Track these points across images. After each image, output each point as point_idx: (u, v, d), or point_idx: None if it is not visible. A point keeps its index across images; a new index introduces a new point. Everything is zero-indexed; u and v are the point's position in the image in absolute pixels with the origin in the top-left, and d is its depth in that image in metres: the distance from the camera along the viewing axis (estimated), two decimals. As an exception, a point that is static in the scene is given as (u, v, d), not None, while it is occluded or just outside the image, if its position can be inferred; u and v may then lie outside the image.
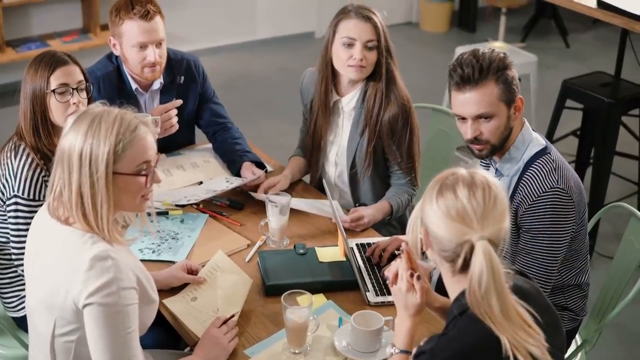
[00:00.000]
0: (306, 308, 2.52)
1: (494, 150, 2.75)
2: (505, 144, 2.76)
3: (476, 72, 2.65)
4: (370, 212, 3.28)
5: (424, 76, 6.94)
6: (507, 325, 1.99)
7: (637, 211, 3.14)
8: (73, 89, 2.94)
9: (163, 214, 3.25)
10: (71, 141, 2.26)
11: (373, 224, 3.29)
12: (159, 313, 2.76)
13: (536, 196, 2.67)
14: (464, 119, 2.73)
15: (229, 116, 3.82)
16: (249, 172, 3.48)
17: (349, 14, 3.25)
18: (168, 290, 2.81)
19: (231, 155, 3.63)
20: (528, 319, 2.03)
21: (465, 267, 2.04)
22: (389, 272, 2.32)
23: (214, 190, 3.38)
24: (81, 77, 2.99)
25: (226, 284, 2.83)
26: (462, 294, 2.07)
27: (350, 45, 3.22)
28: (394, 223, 3.51)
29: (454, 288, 2.14)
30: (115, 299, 2.23)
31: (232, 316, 2.62)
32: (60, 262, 2.28)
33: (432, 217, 2.07)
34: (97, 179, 2.24)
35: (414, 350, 2.12)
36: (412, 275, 2.25)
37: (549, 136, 5.15)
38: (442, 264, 2.13)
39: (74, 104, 2.94)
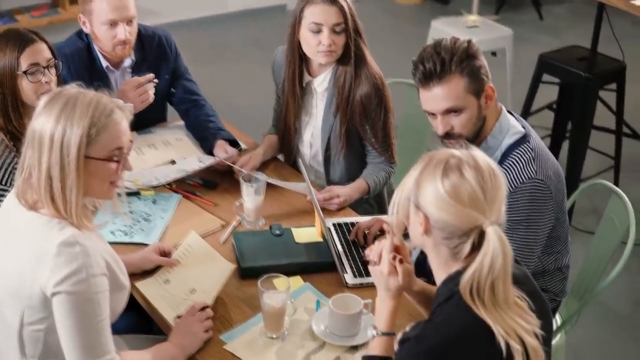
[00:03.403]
0: (283, 293, 2.46)
1: (469, 142, 2.66)
2: (481, 134, 2.68)
3: (438, 67, 2.56)
4: (346, 191, 3.22)
5: (398, 50, 6.86)
6: (503, 312, 1.93)
7: (617, 189, 3.10)
8: (44, 67, 2.86)
9: (134, 194, 3.17)
10: (43, 123, 2.18)
11: (350, 203, 3.23)
12: (131, 296, 2.70)
13: (514, 187, 2.60)
14: (433, 114, 2.65)
15: (201, 93, 3.74)
16: (222, 151, 3.40)
17: None
18: (141, 274, 2.74)
19: (204, 133, 3.55)
20: (524, 305, 1.98)
21: (470, 253, 1.97)
22: (371, 251, 2.25)
23: (185, 170, 3.30)
24: (50, 55, 2.91)
25: (200, 265, 2.77)
26: (450, 278, 2.01)
27: (317, 31, 3.14)
28: (371, 201, 3.46)
29: (442, 272, 2.06)
30: (85, 286, 2.15)
31: (207, 306, 2.55)
32: (27, 249, 2.21)
33: (437, 202, 1.97)
34: (68, 163, 2.16)
35: (399, 337, 2.05)
36: (394, 258, 2.18)
37: (526, 111, 5.12)
38: (438, 249, 2.04)
39: (45, 82, 2.87)
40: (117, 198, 2.39)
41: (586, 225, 4.76)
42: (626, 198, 3.05)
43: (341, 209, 3.19)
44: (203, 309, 2.53)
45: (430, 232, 2.01)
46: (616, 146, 5.03)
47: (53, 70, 2.91)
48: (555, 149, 5.16)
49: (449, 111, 2.61)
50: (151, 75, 3.40)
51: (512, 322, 1.94)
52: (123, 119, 2.25)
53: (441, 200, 1.96)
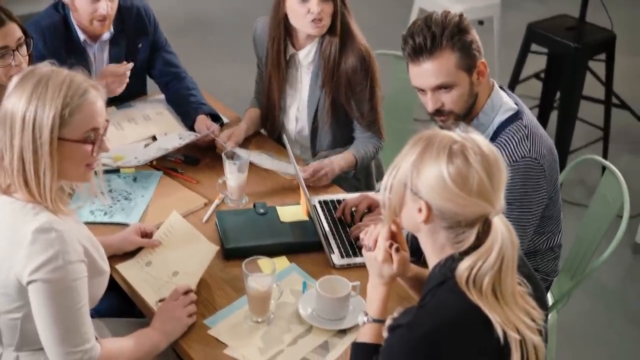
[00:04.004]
0: (269, 276, 2.38)
1: (460, 119, 2.58)
2: (472, 111, 2.59)
3: (429, 41, 2.47)
4: (332, 161, 3.13)
5: (383, 21, 6.76)
6: (507, 307, 1.85)
7: (610, 165, 3.04)
8: (13, 50, 2.74)
9: (114, 172, 3.08)
10: (14, 103, 2.09)
11: (337, 174, 3.15)
12: (112, 278, 2.62)
13: (506, 166, 2.51)
14: (423, 91, 2.56)
15: (182, 65, 3.64)
16: (203, 126, 3.31)
17: None
18: (121, 255, 2.66)
19: (185, 108, 3.45)
20: (528, 298, 1.91)
21: (475, 242, 1.88)
22: (365, 235, 2.15)
23: (165, 149, 3.20)
24: (20, 34, 2.78)
25: (183, 247, 2.69)
26: (444, 263, 1.92)
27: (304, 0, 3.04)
28: (358, 176, 3.39)
29: (436, 256, 1.97)
30: (62, 274, 2.07)
31: (191, 290, 2.47)
32: (1, 236, 2.12)
33: (441, 191, 1.86)
34: (41, 145, 2.07)
35: (387, 322, 1.98)
36: (390, 246, 2.09)
37: (513, 82, 5.05)
38: (436, 236, 1.94)
39: (15, 66, 2.76)
40: (95, 179, 2.30)
41: (575, 197, 4.71)
42: (620, 175, 2.98)
43: (327, 184, 3.11)
44: (186, 293, 2.45)
45: (430, 221, 1.91)
46: (605, 117, 4.96)
47: (24, 49, 2.79)
48: (543, 119, 5.09)
49: (439, 87, 2.52)
50: (129, 65, 3.28)
51: (515, 317, 1.86)
52: (98, 99, 2.16)
53: (446, 188, 1.86)
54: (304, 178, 2.97)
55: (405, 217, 1.97)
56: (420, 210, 1.90)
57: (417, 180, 1.89)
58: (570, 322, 3.84)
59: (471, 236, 1.88)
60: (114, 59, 3.41)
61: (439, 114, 2.57)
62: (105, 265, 2.30)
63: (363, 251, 2.15)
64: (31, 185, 2.10)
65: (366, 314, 2.13)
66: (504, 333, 1.83)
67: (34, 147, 2.07)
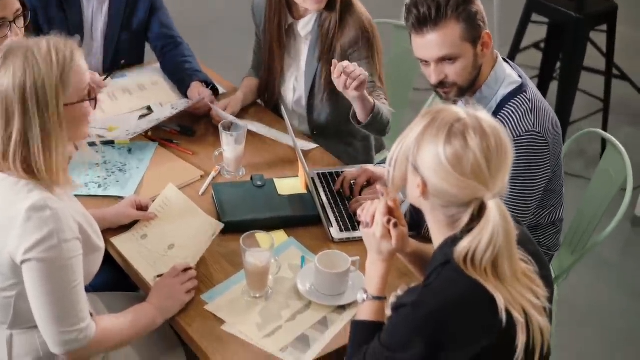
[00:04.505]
0: (267, 251, 2.34)
1: (463, 92, 2.53)
2: (476, 83, 2.54)
3: (433, 11, 2.41)
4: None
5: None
6: (510, 287, 1.82)
7: (613, 138, 2.99)
8: (10, 22, 2.66)
9: (109, 143, 3.02)
10: (7, 82, 2.03)
11: (364, 88, 2.82)
12: (106, 251, 2.58)
13: (510, 140, 2.46)
14: (426, 62, 2.51)
15: (178, 31, 3.56)
16: (196, 93, 3.25)
17: None
18: (116, 229, 2.62)
19: (180, 75, 3.40)
20: (533, 276, 1.87)
21: (470, 222, 1.84)
22: (363, 211, 2.11)
23: (157, 119, 3.14)
24: (18, 5, 2.69)
25: (179, 220, 2.65)
26: (447, 243, 1.88)
27: None
28: (357, 145, 3.33)
29: (440, 235, 1.93)
30: (57, 253, 2.03)
31: (190, 268, 2.43)
32: None
33: (436, 169, 1.83)
34: (49, 118, 2.03)
35: (391, 301, 1.93)
36: (388, 222, 2.05)
37: (513, 51, 4.98)
38: (435, 214, 1.91)
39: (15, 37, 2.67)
40: (88, 147, 2.31)
41: (575, 169, 4.67)
42: (622, 148, 2.94)
43: (327, 159, 3.04)
44: (185, 270, 2.40)
45: (427, 197, 1.88)
46: (605, 89, 4.90)
47: (21, 22, 2.70)
48: (543, 89, 5.04)
49: (443, 59, 2.46)
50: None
51: (520, 297, 1.83)
52: (82, 58, 2.14)
53: (441, 167, 1.82)
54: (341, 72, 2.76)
55: (408, 190, 1.93)
56: (418, 185, 1.87)
57: (417, 156, 1.87)
58: (569, 295, 3.81)
59: (465, 217, 1.84)
60: (113, 15, 3.37)
61: (442, 86, 2.51)
62: (100, 242, 2.26)
63: (360, 228, 2.11)
64: (36, 163, 2.05)
65: (365, 292, 2.08)
66: (509, 315, 1.80)
67: (41, 123, 2.03)
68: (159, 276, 2.43)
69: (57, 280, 2.05)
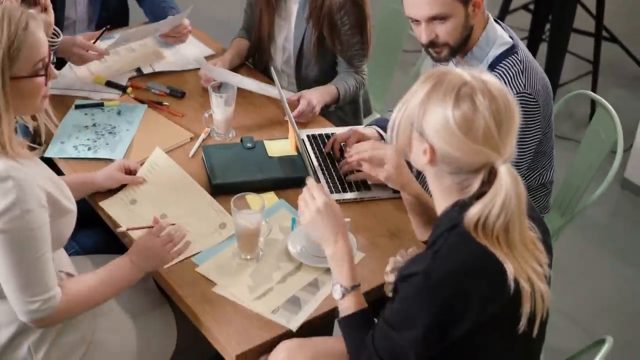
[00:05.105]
0: (258, 213, 2.33)
1: (454, 52, 2.51)
2: (467, 44, 2.52)
3: None
4: (317, 95, 3.04)
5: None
6: (518, 254, 1.79)
7: (603, 100, 2.98)
8: None
9: (97, 105, 3.00)
10: None
11: (322, 106, 3.07)
12: (97, 214, 2.57)
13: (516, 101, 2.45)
14: (417, 21, 2.48)
15: None
16: (171, 19, 3.31)
17: None
18: (105, 192, 2.60)
19: (159, 13, 3.45)
20: (538, 243, 1.86)
21: (479, 187, 1.81)
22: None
23: (142, 35, 3.32)
24: None
25: (169, 187, 2.63)
26: (453, 208, 1.86)
27: None
28: (346, 109, 3.32)
29: (443, 200, 1.90)
30: (20, 223, 2.01)
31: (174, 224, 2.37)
32: None
33: (445, 135, 1.78)
34: None
35: (394, 274, 1.90)
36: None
37: (502, 13, 4.96)
38: (442, 180, 1.87)
39: None
40: (47, 117, 2.25)
41: (563, 131, 4.66)
42: (613, 111, 2.93)
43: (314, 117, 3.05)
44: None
45: (435, 164, 1.84)
46: (595, 51, 4.89)
47: None
48: (532, 51, 5.00)
49: (434, 18, 2.44)
50: (101, 58, 3.19)
51: (526, 265, 1.80)
52: (39, 28, 2.07)
53: (450, 133, 1.77)
54: (294, 114, 2.90)
55: (413, 157, 1.89)
56: (425, 152, 1.83)
57: (423, 121, 1.81)
58: (559, 257, 3.81)
59: (475, 183, 1.81)
60: None
61: (432, 46, 2.50)
62: (70, 204, 2.22)
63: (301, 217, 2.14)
64: None
65: (342, 286, 2.05)
66: (516, 283, 1.78)
67: None
68: (129, 229, 2.40)
69: (21, 251, 2.03)
